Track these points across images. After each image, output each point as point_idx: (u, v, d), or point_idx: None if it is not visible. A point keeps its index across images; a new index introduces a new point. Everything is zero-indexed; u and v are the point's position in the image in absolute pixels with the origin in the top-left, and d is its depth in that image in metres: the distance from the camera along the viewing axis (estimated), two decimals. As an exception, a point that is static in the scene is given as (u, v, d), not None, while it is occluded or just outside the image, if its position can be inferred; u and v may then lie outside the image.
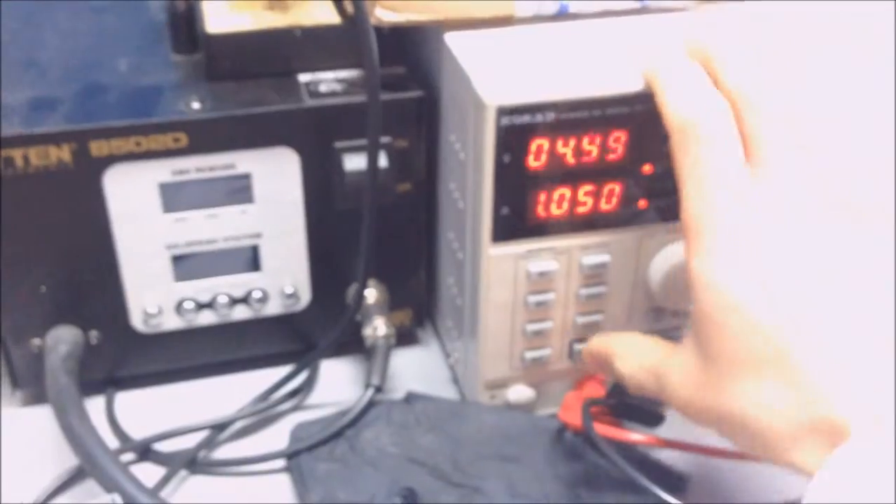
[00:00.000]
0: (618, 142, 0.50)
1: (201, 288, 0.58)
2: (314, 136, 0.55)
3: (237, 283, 0.59)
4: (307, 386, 0.60)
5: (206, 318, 0.59)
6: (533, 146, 0.49)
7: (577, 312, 0.54)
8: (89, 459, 0.48)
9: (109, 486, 0.47)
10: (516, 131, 0.49)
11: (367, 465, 0.51)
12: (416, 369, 0.62)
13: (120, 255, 0.55)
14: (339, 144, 0.55)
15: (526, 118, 0.48)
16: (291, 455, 0.53)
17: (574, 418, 0.52)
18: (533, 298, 0.53)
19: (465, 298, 0.56)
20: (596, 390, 0.55)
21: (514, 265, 0.52)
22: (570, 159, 0.50)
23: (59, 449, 0.53)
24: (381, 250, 0.56)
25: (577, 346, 0.55)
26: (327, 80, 0.57)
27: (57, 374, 0.52)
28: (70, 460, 0.52)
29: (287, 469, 0.54)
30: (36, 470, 0.53)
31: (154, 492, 0.50)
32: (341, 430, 0.53)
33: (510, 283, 0.53)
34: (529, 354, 0.55)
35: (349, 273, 0.60)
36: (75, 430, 0.49)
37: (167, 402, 0.59)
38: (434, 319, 0.66)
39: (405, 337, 0.63)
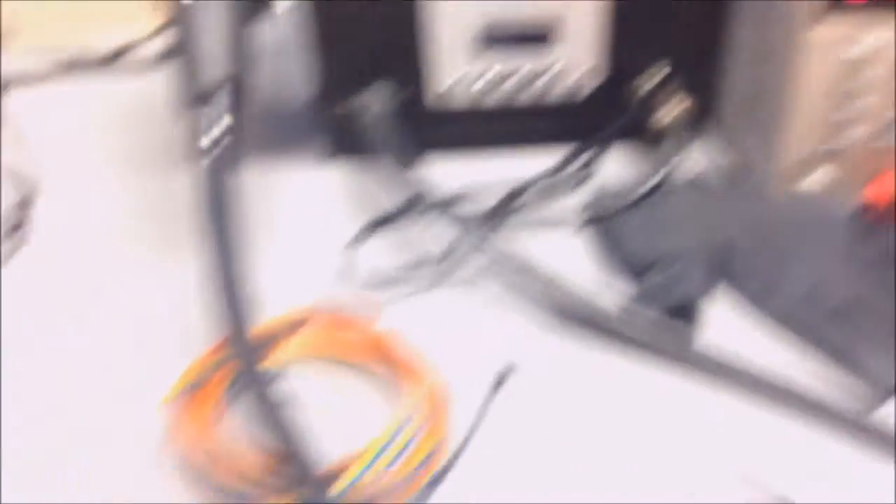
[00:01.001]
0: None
1: (500, 63, 0.60)
2: None
3: (533, 60, 0.61)
4: (592, 169, 0.62)
5: (502, 95, 0.62)
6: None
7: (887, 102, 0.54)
8: (416, 195, 0.52)
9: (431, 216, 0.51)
10: None
11: (676, 223, 0.54)
12: (699, 162, 0.62)
13: (430, 21, 0.58)
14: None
15: None
16: (596, 217, 0.56)
17: (882, 198, 0.52)
18: (846, 84, 0.53)
19: (771, 85, 0.56)
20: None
21: (832, 45, 0.52)
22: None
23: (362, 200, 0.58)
24: (676, 38, 0.57)
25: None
26: None
27: (379, 123, 0.56)
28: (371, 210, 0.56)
29: (591, 223, 0.56)
30: (340, 219, 0.57)
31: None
32: (642, 197, 0.55)
33: (825, 65, 0.52)
34: (836, 139, 0.55)
35: (641, 59, 0.61)
36: (402, 169, 0.53)
37: (460, 173, 0.62)
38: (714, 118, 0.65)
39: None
